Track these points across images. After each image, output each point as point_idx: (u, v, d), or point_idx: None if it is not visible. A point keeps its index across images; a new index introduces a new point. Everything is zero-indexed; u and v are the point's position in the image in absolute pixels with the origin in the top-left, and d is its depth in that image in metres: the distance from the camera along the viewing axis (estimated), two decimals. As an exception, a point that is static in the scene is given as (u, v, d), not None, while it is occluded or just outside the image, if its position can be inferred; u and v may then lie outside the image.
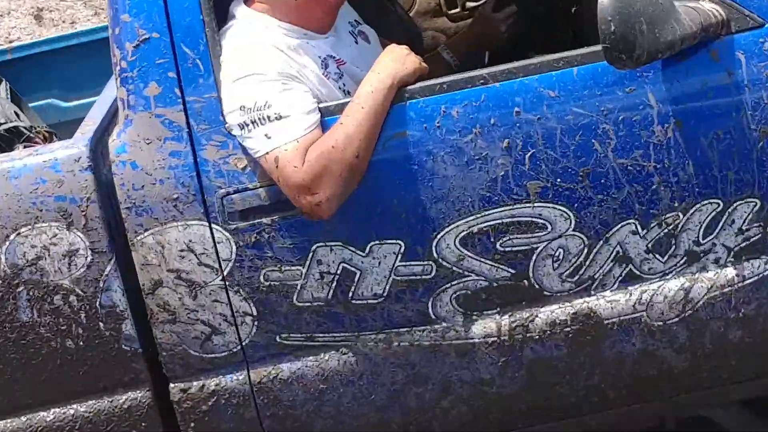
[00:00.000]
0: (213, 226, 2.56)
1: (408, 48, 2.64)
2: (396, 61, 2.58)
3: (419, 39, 3.48)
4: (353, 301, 2.65)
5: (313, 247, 2.59)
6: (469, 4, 3.81)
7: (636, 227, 2.59)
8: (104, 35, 3.33)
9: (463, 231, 2.59)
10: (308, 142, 2.47)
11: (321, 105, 2.57)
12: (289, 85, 2.50)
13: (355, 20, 2.89)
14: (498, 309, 2.67)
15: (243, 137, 2.52)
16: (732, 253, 2.65)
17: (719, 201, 2.59)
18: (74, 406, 2.73)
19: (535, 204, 2.56)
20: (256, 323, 2.65)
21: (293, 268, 2.62)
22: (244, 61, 2.54)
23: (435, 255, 2.61)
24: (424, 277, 2.63)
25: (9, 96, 3.60)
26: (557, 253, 2.61)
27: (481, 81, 2.56)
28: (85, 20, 6.89)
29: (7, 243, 2.58)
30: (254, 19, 2.65)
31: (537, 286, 2.65)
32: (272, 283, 2.64)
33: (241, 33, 2.63)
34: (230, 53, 2.57)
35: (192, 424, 2.72)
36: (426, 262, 2.61)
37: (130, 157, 2.58)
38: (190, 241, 2.59)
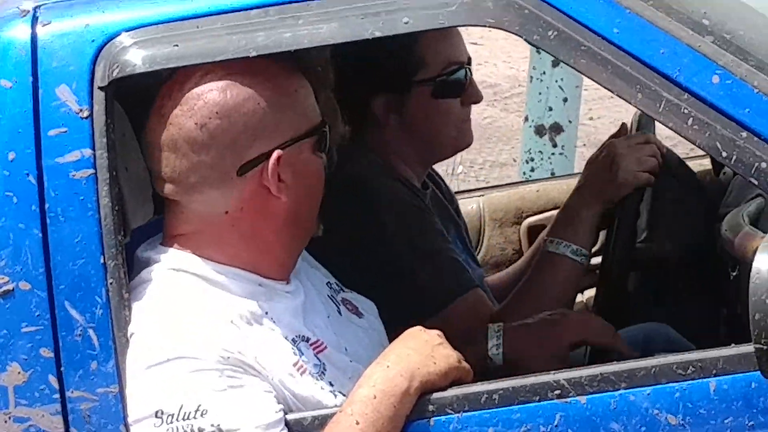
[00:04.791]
0: None
1: (442, 335, 1.90)
2: (419, 351, 1.85)
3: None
4: None
5: None
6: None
7: None
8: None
9: None
10: None
11: (291, 416, 1.85)
12: (238, 380, 1.80)
13: (336, 283, 2.12)
14: None
15: (157, 465, 1.78)
16: None
17: None
18: None
19: None
20: None
21: None
22: (168, 336, 1.83)
23: None
24: None
25: None
26: None
27: (556, 392, 1.83)
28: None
29: None
30: (184, 264, 1.91)
31: None
32: None
33: (166, 288, 1.90)
34: (145, 322, 1.86)
35: None
36: None
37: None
38: None
